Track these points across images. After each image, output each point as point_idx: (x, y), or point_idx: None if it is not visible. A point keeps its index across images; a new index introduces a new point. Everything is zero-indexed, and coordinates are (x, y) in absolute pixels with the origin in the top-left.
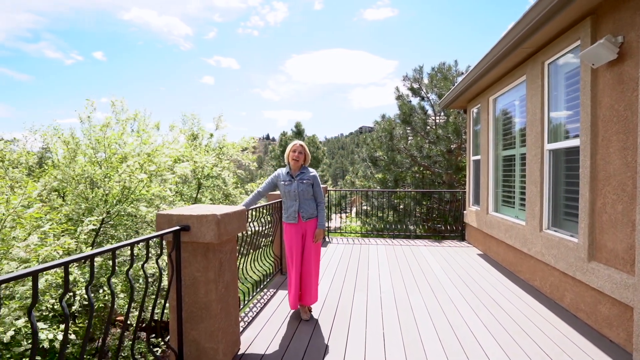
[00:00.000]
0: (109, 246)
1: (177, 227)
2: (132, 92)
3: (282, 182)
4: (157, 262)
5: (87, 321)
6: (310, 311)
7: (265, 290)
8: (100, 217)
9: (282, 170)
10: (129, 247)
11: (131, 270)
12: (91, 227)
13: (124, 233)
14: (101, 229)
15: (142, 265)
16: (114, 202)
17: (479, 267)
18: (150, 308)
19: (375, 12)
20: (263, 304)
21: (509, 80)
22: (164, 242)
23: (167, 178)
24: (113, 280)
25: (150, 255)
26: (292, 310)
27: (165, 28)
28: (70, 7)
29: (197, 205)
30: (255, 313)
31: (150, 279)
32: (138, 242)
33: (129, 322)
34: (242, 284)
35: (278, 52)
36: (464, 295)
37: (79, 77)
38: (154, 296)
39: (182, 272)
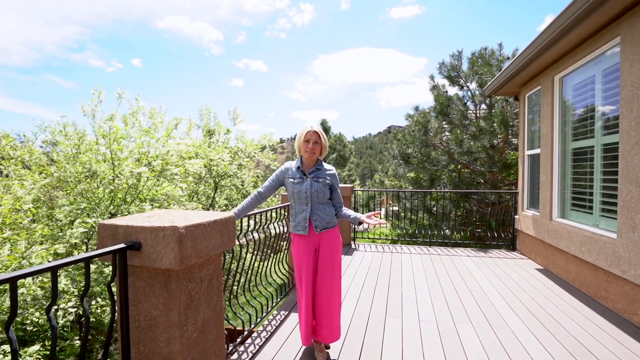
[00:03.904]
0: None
1: (122, 245)
2: (166, 96)
3: (291, 180)
4: (81, 301)
5: (80, 340)
6: (327, 349)
7: (275, 312)
8: (98, 220)
9: (292, 164)
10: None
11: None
12: (81, 229)
13: None
14: None
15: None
16: (120, 202)
17: (543, 288)
18: None
19: (402, 10)
20: (270, 332)
21: (587, 50)
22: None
23: (174, 172)
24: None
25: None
26: (305, 346)
27: (196, 34)
28: (111, 18)
29: (161, 211)
30: (258, 346)
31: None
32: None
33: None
34: (247, 301)
35: (305, 53)
36: (533, 329)
37: (118, 83)
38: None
39: (134, 309)
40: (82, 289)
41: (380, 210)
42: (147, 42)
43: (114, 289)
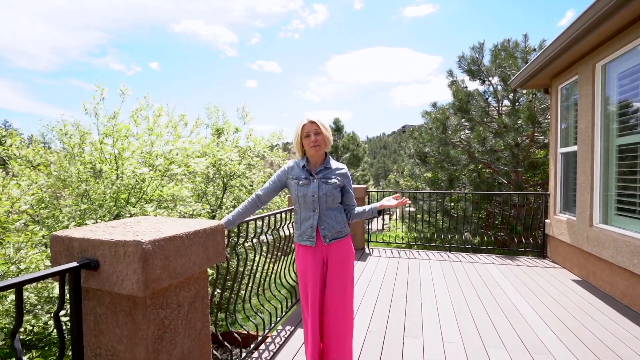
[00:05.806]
0: None
1: (73, 264)
2: (183, 98)
3: (295, 181)
4: (12, 339)
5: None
6: None
7: (279, 327)
8: (98, 221)
9: (296, 163)
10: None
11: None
12: None
13: None
14: None
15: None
16: (124, 203)
17: (585, 304)
18: None
19: (415, 9)
20: (273, 352)
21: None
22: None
23: (176, 171)
24: None
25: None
26: None
27: (211, 37)
28: (129, 23)
29: (131, 219)
30: None
31: None
32: None
33: None
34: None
35: (319, 54)
36: (581, 357)
37: (138, 86)
38: None
39: (95, 340)
40: None
41: (396, 211)
42: (164, 46)
43: (63, 319)
